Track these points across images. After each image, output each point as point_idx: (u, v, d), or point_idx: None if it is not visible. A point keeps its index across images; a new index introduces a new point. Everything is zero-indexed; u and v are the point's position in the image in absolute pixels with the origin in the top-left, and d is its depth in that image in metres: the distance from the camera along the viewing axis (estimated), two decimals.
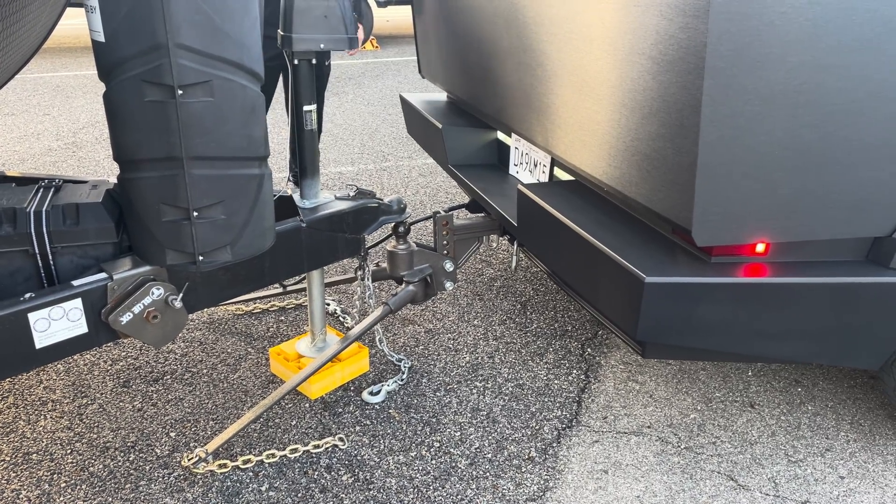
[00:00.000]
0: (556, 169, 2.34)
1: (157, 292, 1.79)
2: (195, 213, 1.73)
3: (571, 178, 2.24)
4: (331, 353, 2.26)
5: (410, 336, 2.78)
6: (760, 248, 1.60)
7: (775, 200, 1.51)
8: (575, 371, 2.55)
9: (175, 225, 1.74)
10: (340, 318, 2.89)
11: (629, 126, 1.65)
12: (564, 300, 3.09)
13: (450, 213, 2.48)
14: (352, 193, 2.31)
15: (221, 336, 2.76)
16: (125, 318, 1.76)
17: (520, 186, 2.09)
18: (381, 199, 2.37)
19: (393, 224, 2.39)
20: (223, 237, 1.79)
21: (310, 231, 2.15)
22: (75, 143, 5.58)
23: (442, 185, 4.63)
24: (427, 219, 2.80)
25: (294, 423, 2.26)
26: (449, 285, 2.50)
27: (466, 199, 4.25)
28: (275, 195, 2.30)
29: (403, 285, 2.43)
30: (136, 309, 1.77)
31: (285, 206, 2.28)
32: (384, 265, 2.64)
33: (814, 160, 1.48)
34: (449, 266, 2.48)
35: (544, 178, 2.41)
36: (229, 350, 2.67)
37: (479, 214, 2.60)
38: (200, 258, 1.78)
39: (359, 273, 2.46)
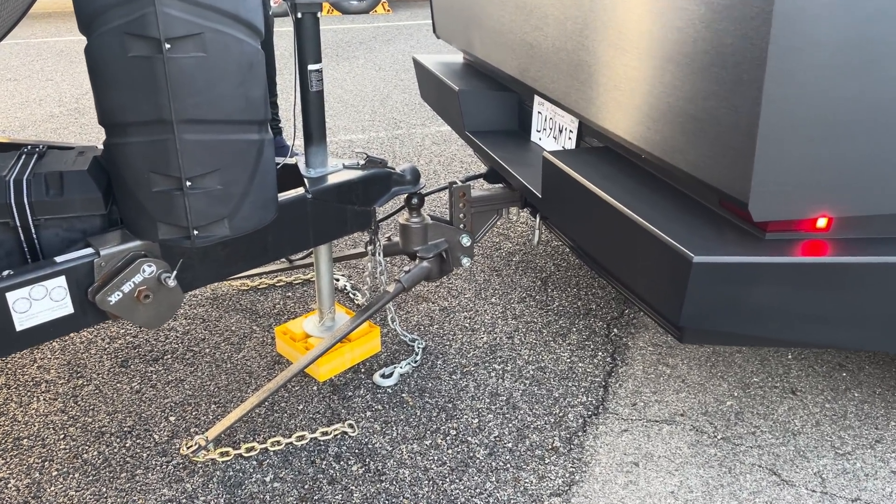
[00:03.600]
0: (584, 135, 2.16)
1: (149, 270, 1.65)
2: (188, 183, 1.57)
3: (601, 144, 2.05)
4: (340, 333, 2.12)
5: (424, 314, 2.63)
6: (822, 223, 1.42)
7: (842, 168, 1.33)
8: (600, 353, 2.40)
9: (166, 196, 1.58)
10: (350, 295, 2.75)
11: (675, 83, 1.46)
12: (588, 276, 2.93)
13: (466, 183, 2.31)
14: (361, 162, 2.14)
15: (225, 313, 2.62)
16: (114, 298, 1.62)
17: (545, 154, 1.91)
18: (393, 168, 2.20)
19: (406, 195, 2.22)
20: (220, 209, 1.64)
21: (316, 203, 2.00)
22: (78, 110, 5.43)
23: (457, 153, 4.44)
24: (442, 189, 2.63)
25: (301, 407, 2.13)
26: (466, 261, 2.35)
27: (484, 169, 4.07)
28: (277, 164, 2.14)
29: (417, 261, 2.27)
30: (126, 288, 1.63)
31: (289, 176, 2.12)
32: (396, 239, 2.49)
33: (888, 122, 1.30)
34: (466, 241, 2.32)
35: (571, 145, 2.23)
36: (233, 328, 2.53)
37: (498, 185, 2.42)
38: (195, 232, 1.63)
39: (369, 248, 2.31)
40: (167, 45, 1.45)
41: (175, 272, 1.69)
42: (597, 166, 1.82)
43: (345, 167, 2.13)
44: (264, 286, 2.81)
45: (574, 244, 2.24)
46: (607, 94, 1.77)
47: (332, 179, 2.06)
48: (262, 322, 2.57)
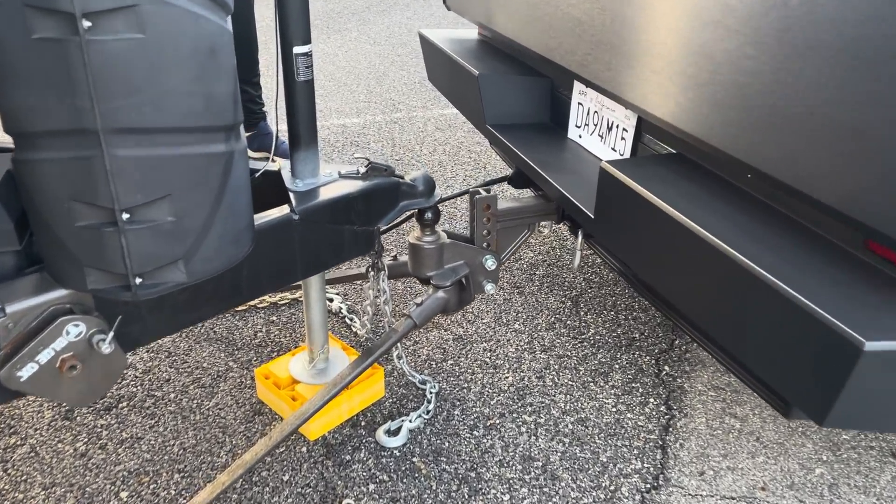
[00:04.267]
0: (643, 135, 1.73)
1: (75, 331, 1.22)
2: (125, 216, 1.14)
3: (669, 149, 1.63)
4: (336, 385, 1.70)
5: (435, 345, 2.22)
6: None
7: None
8: (652, 399, 1.99)
9: (95, 232, 1.15)
10: (347, 320, 2.33)
11: (812, 80, 1.03)
12: (626, 295, 2.51)
13: (491, 193, 1.88)
14: (362, 169, 1.70)
15: (195, 344, 2.20)
16: (27, 372, 1.19)
17: (604, 164, 1.48)
18: (402, 177, 1.76)
19: (417, 210, 1.79)
20: (172, 249, 1.21)
21: (305, 225, 1.56)
22: None
23: (464, 141, 3.99)
24: (457, 196, 2.19)
25: (287, 477, 1.72)
26: (490, 287, 1.92)
27: (507, 170, 3.63)
28: (255, 173, 1.70)
29: (431, 290, 1.85)
30: (44, 357, 1.20)
31: (270, 188, 1.69)
32: (403, 258, 2.06)
33: None
34: (490, 263, 1.89)
35: (624, 148, 1.80)
36: (205, 364, 2.11)
37: (528, 193, 1.99)
38: (138, 281, 1.20)
39: (371, 273, 1.88)
40: (86, 23, 1.00)
41: (112, 332, 1.26)
42: (680, 184, 1.39)
43: (341, 177, 1.70)
44: (243, 307, 2.39)
45: (636, 279, 1.82)
46: (693, 87, 1.34)
47: (326, 194, 1.62)
48: (240, 356, 2.15)
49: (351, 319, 2.32)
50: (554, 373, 2.10)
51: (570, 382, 2.06)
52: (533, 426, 1.89)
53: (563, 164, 1.94)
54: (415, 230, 1.86)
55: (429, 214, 1.80)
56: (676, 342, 2.25)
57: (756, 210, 1.29)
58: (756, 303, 1.12)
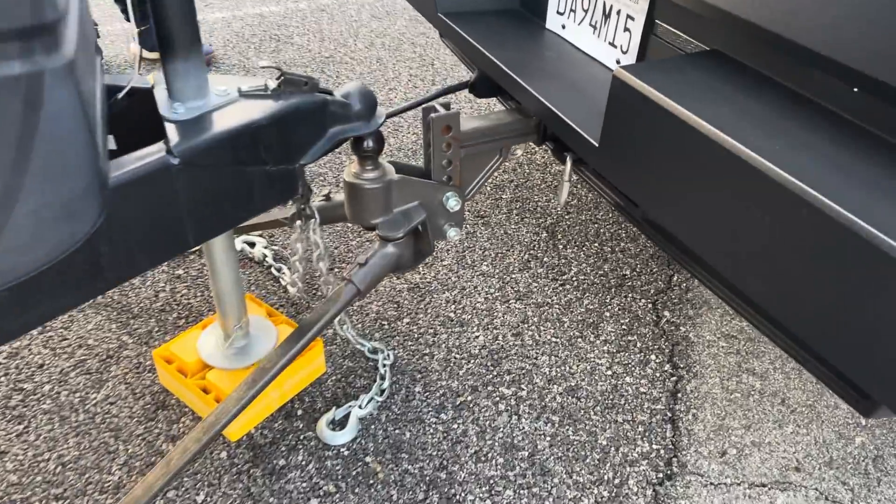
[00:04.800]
0: (658, 24, 1.27)
1: None
2: None
3: (694, 45, 1.19)
4: (263, 376, 1.29)
5: (387, 298, 1.82)
6: None
7: None
8: (654, 356, 1.66)
9: None
10: (274, 271, 1.88)
11: None
12: (610, 221, 2.13)
13: (451, 110, 1.41)
14: (272, 84, 1.22)
15: (77, 312, 1.73)
16: None
17: (618, 70, 1.04)
18: (330, 92, 1.29)
19: (352, 138, 1.33)
20: None
21: (190, 171, 1.10)
22: None
23: (405, 31, 3.42)
24: (405, 110, 1.72)
25: (202, 497, 1.33)
26: (453, 233, 1.50)
27: (460, 68, 3.10)
28: (117, 95, 1.20)
29: (377, 244, 1.42)
30: None
31: (138, 115, 1.20)
32: (338, 196, 1.61)
33: None
34: (453, 202, 1.46)
35: (628, 42, 1.35)
36: (90, 341, 1.66)
37: (496, 105, 1.53)
38: None
39: (298, 224, 1.43)
40: None
41: None
42: (737, 101, 0.97)
43: (242, 96, 1.21)
44: None
45: (645, 220, 1.42)
46: None
47: (220, 123, 1.14)
48: (137, 327, 1.70)
49: (279, 270, 1.88)
50: (533, 327, 1.73)
51: (553, 339, 1.70)
52: (513, 402, 1.53)
53: (544, 65, 1.48)
54: (351, 164, 1.40)
55: (369, 143, 1.34)
56: (675, 278, 1.90)
57: (859, 140, 0.89)
58: (842, 269, 0.74)
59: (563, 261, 1.96)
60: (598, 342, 1.70)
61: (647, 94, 0.99)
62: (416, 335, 1.70)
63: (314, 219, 1.43)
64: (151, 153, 1.07)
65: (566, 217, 2.13)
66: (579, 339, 1.70)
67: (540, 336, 1.71)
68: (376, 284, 1.41)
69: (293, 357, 1.32)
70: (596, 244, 2.02)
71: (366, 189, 1.38)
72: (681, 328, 1.74)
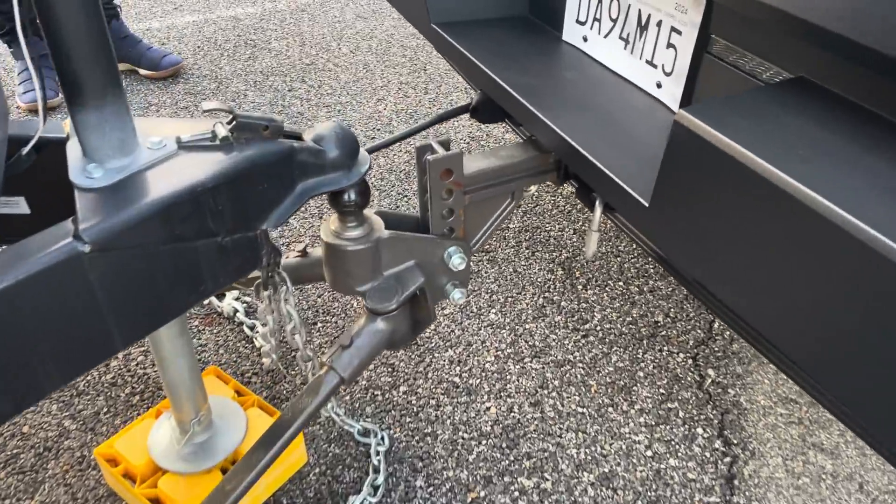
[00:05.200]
0: (714, 39, 1.00)
1: None
2: None
3: (781, 71, 0.92)
4: (233, 488, 1.03)
5: (379, 361, 1.55)
6: None
7: None
8: (701, 430, 1.40)
9: None
10: (246, 328, 1.62)
11: None
12: (632, 253, 1.87)
13: (449, 145, 1.14)
14: (221, 131, 0.95)
15: None
16: None
17: (682, 115, 0.77)
18: (298, 134, 1.02)
19: (330, 192, 1.07)
20: None
21: (110, 259, 0.83)
22: None
23: (394, 33, 3.14)
24: (395, 141, 1.44)
25: None
26: (458, 295, 1.24)
27: (467, 86, 2.81)
28: (22, 150, 0.94)
29: (365, 318, 1.15)
30: None
31: (54, 169, 0.94)
32: (317, 251, 1.35)
33: None
34: (458, 259, 1.20)
35: (672, 61, 1.08)
36: (25, 429, 1.39)
37: (503, 135, 1.27)
38: None
39: (265, 293, 1.16)
40: None
41: None
42: (847, 153, 0.70)
43: (183, 147, 0.94)
44: None
45: (694, 281, 1.15)
46: None
47: (152, 189, 0.87)
48: (83, 410, 1.43)
49: (252, 328, 1.61)
50: (554, 394, 1.47)
51: (579, 409, 1.44)
52: (536, 497, 1.27)
53: (563, 88, 1.21)
54: (329, 219, 1.13)
55: (350, 196, 1.07)
56: (716, 325, 1.64)
57: None
58: None
59: (584, 305, 1.69)
60: (632, 412, 1.43)
61: (729, 151, 0.72)
62: (415, 408, 1.44)
63: (285, 286, 1.16)
64: (54, 239, 0.80)
65: (583, 249, 1.87)
66: (610, 409, 1.44)
67: (563, 405, 1.45)
68: (365, 368, 1.14)
69: (264, 468, 1.05)
70: (620, 283, 1.76)
71: (349, 251, 1.11)
72: (729, 391, 1.48)
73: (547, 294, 1.73)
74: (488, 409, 1.45)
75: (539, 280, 1.77)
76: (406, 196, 2.07)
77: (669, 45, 1.08)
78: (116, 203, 0.84)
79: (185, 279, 0.93)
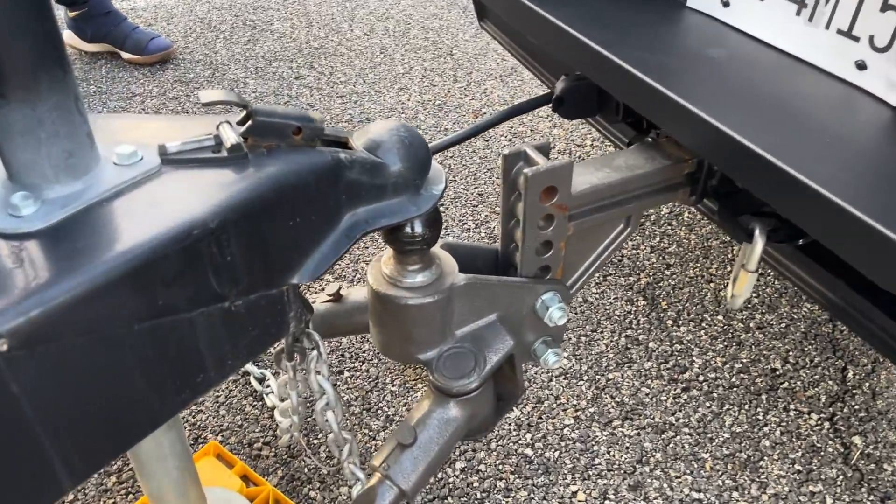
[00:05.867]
0: None
1: None
2: None
3: None
4: None
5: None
6: None
7: None
8: None
9: None
10: (254, 382, 1.28)
11: None
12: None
13: (548, 152, 0.81)
14: (230, 136, 0.61)
15: None
16: None
17: None
18: (345, 139, 0.68)
19: (387, 230, 0.73)
20: None
21: (37, 359, 0.48)
22: None
23: (423, 20, 2.79)
24: (463, 140, 1.10)
25: None
26: (553, 359, 0.90)
27: (511, 72, 2.46)
28: None
29: (430, 399, 0.82)
30: None
31: None
32: (352, 293, 1.01)
33: None
34: (557, 312, 0.86)
35: (892, 35, 0.74)
36: None
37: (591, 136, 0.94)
38: None
39: (289, 364, 0.83)
40: None
41: None
42: None
43: (168, 162, 0.60)
44: None
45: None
46: None
47: (115, 236, 0.53)
48: None
49: (263, 381, 1.28)
50: (658, 472, 1.14)
51: (694, 495, 1.11)
52: None
53: (701, 69, 0.87)
54: (382, 259, 0.80)
55: (415, 227, 0.74)
56: (850, 374, 1.31)
57: None
58: None
59: (679, 347, 1.36)
60: (764, 498, 1.11)
61: None
62: (479, 495, 1.11)
63: (316, 353, 0.83)
64: None
65: (667, 273, 1.54)
66: (735, 493, 1.11)
67: (672, 489, 1.12)
68: (433, 475, 0.81)
69: None
70: (719, 317, 1.43)
71: (411, 306, 0.78)
72: (885, 466, 1.15)
73: (630, 332, 1.40)
74: (575, 494, 1.12)
75: (617, 314, 1.44)
76: (466, 216, 1.73)
77: (887, 7, 0.74)
78: (57, 259, 0.51)
79: (175, 370, 0.60)
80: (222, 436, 1.20)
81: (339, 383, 1.30)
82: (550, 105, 1.13)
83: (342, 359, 1.34)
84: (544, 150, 0.81)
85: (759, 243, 0.85)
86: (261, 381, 1.28)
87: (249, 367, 1.29)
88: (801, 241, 0.86)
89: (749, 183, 0.74)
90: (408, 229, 0.74)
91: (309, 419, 1.19)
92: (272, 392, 1.24)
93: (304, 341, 0.83)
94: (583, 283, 0.94)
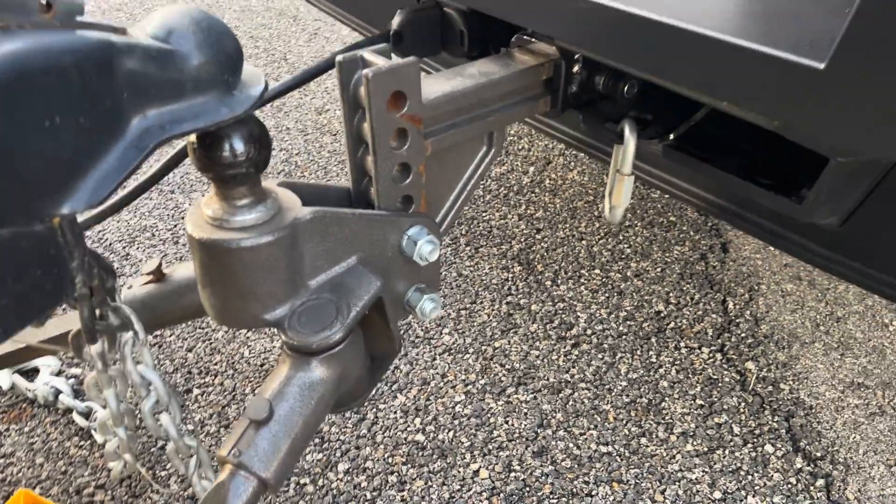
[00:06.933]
0: None
1: None
2: None
3: None
4: None
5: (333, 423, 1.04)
6: None
7: None
8: (769, 446, 1.03)
9: None
10: (77, 417, 1.05)
11: None
12: (598, 231, 1.49)
13: (389, 54, 0.69)
14: None
15: None
16: None
17: None
18: (121, 28, 0.52)
19: (196, 138, 0.57)
20: None
21: None
22: None
23: (251, 30, 2.63)
24: (302, 83, 0.96)
25: None
26: (430, 306, 0.78)
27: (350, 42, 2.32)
28: None
29: (288, 364, 0.66)
30: None
31: None
32: (177, 270, 0.83)
33: None
34: (427, 246, 0.74)
35: None
36: None
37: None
38: None
39: (93, 351, 0.64)
40: None
41: None
42: None
43: None
44: None
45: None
46: None
47: None
48: None
49: (89, 416, 1.05)
50: (562, 432, 1.04)
51: (602, 448, 1.02)
52: None
53: None
54: (203, 200, 0.64)
55: (236, 141, 0.59)
56: (730, 305, 1.29)
57: None
58: None
59: (561, 304, 1.28)
60: (673, 438, 1.03)
61: None
62: (368, 495, 0.95)
63: (134, 333, 0.65)
64: None
65: (538, 237, 1.46)
66: (643, 439, 1.03)
67: (579, 447, 1.02)
68: (299, 457, 0.65)
69: None
70: (597, 270, 1.37)
71: (244, 250, 0.62)
72: (781, 386, 1.12)
73: (510, 298, 1.30)
74: (477, 472, 0.98)
75: (495, 282, 1.34)
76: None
77: None
78: None
79: None
80: (41, 487, 0.96)
81: (188, 402, 1.09)
82: (392, 40, 1.01)
83: (189, 376, 1.14)
84: (384, 52, 0.69)
85: (630, 143, 0.78)
86: (86, 415, 1.05)
87: (71, 401, 1.06)
88: (671, 136, 0.80)
89: (617, 51, 0.66)
90: (226, 149, 0.59)
91: (142, 436, 0.98)
92: (96, 425, 1.02)
93: (109, 318, 0.65)
94: (452, 218, 0.82)
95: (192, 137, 0.60)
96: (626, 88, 0.79)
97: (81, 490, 0.96)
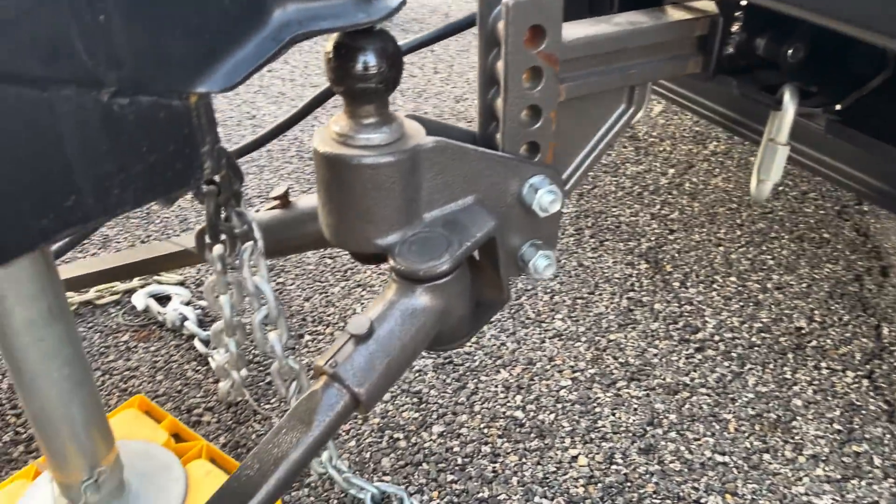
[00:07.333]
0: None
1: None
2: None
3: None
4: None
5: (398, 388, 1.05)
6: None
7: None
8: None
9: None
10: (199, 344, 1.11)
11: None
12: (739, 240, 1.38)
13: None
14: None
15: None
16: None
17: None
18: None
19: (335, 46, 0.58)
20: None
21: None
22: None
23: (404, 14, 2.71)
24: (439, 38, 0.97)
25: None
26: (543, 263, 0.75)
27: None
28: None
29: (393, 289, 0.65)
30: None
31: None
32: (303, 200, 0.85)
33: None
34: (547, 196, 0.71)
35: None
36: None
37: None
38: None
39: (216, 253, 0.66)
40: None
41: None
42: None
43: None
44: None
45: None
46: None
47: None
48: None
49: (209, 344, 1.10)
50: (673, 434, 0.97)
51: (717, 457, 0.93)
52: None
53: None
54: (331, 120, 0.65)
55: (370, 56, 0.59)
56: (885, 330, 1.15)
57: None
58: None
59: (688, 307, 1.20)
60: (801, 461, 0.93)
61: None
62: (459, 460, 0.93)
63: (254, 242, 0.67)
64: None
65: (671, 238, 1.38)
66: (766, 455, 0.94)
67: (692, 453, 0.94)
68: (396, 380, 0.64)
69: None
70: (732, 278, 1.27)
71: (366, 167, 0.63)
72: None
73: (632, 294, 1.23)
74: (575, 458, 0.93)
75: (617, 276, 1.28)
76: None
77: None
78: None
79: (28, 177, 0.44)
80: (157, 400, 1.02)
81: (297, 347, 1.12)
82: None
83: (303, 323, 1.17)
84: None
85: (790, 109, 0.71)
86: (207, 343, 1.10)
87: (195, 328, 1.12)
88: (837, 107, 0.72)
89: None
90: (360, 61, 0.60)
91: (253, 358, 1.02)
92: (211, 337, 1.07)
93: (233, 221, 0.67)
94: (578, 178, 0.79)
95: (329, 46, 0.61)
96: (790, 52, 0.73)
97: (192, 409, 1.01)
